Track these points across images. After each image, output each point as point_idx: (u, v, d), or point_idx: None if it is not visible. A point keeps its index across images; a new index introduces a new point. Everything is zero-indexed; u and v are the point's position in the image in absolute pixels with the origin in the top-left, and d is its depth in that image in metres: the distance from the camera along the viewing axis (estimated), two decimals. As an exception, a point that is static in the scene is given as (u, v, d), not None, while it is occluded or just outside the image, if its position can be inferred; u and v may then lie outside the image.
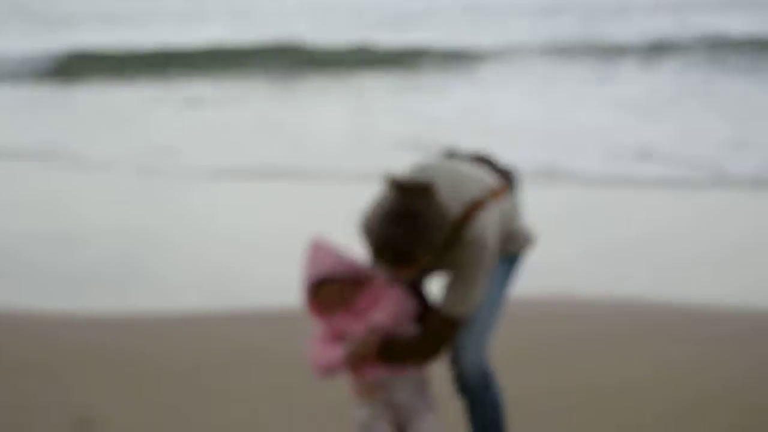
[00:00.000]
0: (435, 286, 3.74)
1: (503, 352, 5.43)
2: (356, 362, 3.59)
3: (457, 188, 3.64)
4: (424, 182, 3.52)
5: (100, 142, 14.99)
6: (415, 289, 3.76)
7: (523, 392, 5.10)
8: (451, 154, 3.93)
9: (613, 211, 9.55)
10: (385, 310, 3.60)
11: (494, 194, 3.69)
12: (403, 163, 3.87)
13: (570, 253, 7.86)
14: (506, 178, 3.86)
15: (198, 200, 10.97)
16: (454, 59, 24.17)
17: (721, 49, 22.83)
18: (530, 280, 6.35)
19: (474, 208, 3.61)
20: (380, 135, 14.18)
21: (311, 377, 3.73)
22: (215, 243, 8.79)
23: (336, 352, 3.58)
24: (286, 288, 3.80)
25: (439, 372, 3.83)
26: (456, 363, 3.80)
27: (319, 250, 3.60)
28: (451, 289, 3.63)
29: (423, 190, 3.51)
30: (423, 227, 3.48)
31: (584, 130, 13.68)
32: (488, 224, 3.60)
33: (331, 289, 3.58)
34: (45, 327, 6.71)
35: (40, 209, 10.64)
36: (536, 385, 5.31)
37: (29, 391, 5.43)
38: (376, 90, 19.61)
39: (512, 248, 3.83)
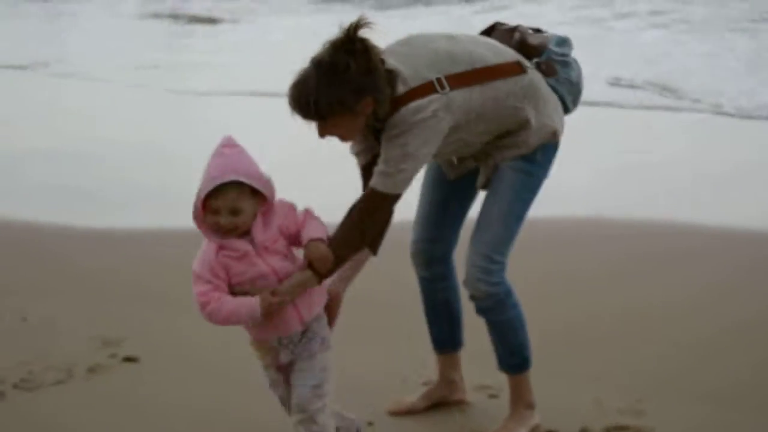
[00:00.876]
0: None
1: (539, 279, 5.53)
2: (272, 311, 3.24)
3: (416, 67, 3.51)
4: (357, 39, 3.38)
5: (96, 58, 14.88)
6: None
7: (561, 318, 5.15)
8: (490, 30, 3.85)
9: (628, 134, 9.50)
10: (317, 229, 3.33)
11: (467, 77, 3.53)
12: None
13: (593, 176, 7.82)
14: (531, 55, 3.73)
15: (203, 117, 10.83)
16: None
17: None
18: (554, 202, 6.34)
19: (416, 91, 3.48)
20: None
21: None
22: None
23: (249, 302, 3.22)
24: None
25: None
26: (465, 284, 3.78)
27: (240, 152, 3.21)
28: (378, 164, 3.51)
29: (351, 47, 3.37)
30: (335, 81, 3.36)
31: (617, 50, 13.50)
32: (421, 109, 3.45)
33: (235, 195, 3.14)
34: (56, 244, 6.67)
35: (46, 125, 10.53)
36: (573, 308, 5.30)
37: (48, 311, 5.39)
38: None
39: (524, 148, 3.68)
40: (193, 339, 4.87)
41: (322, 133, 3.48)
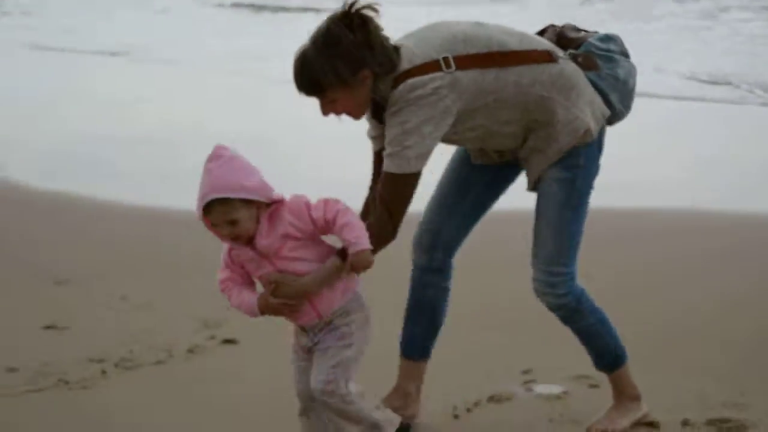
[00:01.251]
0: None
1: (640, 267, 5.51)
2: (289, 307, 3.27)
3: (426, 48, 3.47)
4: (355, 14, 3.39)
5: (185, 46, 15.04)
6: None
7: (661, 310, 5.11)
8: (543, 31, 3.79)
9: (721, 127, 9.46)
10: (357, 229, 3.18)
11: (479, 59, 3.45)
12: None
13: (687, 168, 7.80)
14: (566, 47, 3.66)
15: (296, 106, 10.85)
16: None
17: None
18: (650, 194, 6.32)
19: (418, 69, 3.42)
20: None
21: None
22: (309, 147, 8.73)
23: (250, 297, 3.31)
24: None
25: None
26: (537, 296, 3.75)
27: (224, 163, 3.13)
28: (385, 148, 3.47)
29: (348, 21, 3.38)
30: (330, 53, 3.37)
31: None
32: (418, 86, 3.39)
33: (224, 209, 3.12)
34: (159, 227, 6.76)
35: (136, 112, 10.67)
36: (674, 299, 5.26)
37: (150, 292, 5.49)
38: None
39: (555, 145, 3.56)
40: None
41: (324, 109, 3.49)
